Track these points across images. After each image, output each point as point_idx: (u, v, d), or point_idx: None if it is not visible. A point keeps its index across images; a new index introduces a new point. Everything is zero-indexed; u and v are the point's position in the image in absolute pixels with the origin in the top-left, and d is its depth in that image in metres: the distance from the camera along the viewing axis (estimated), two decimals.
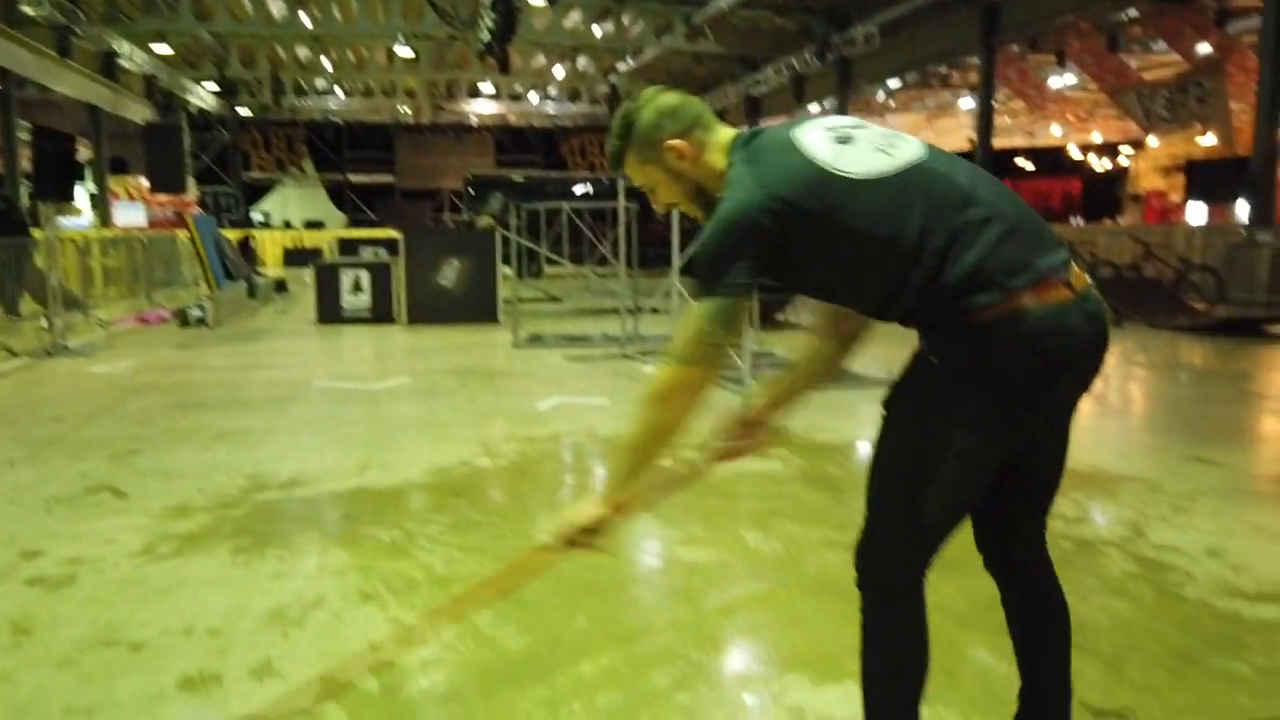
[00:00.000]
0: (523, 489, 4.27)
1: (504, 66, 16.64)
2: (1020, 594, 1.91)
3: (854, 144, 1.67)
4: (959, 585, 3.05)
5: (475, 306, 11.24)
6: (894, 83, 21.26)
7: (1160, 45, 16.19)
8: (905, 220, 1.59)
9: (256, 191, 31.18)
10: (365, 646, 2.62)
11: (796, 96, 21.58)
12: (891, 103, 25.22)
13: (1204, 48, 14.78)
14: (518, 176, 22.73)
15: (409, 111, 28.65)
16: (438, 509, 3.95)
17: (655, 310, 10.72)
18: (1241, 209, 13.19)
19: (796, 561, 3.31)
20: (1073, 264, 1.63)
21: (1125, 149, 22.72)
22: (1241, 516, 3.75)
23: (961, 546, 3.35)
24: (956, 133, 25.98)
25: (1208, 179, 13.99)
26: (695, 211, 1.87)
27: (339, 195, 31.41)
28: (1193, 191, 14.25)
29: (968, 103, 21.94)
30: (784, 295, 10.86)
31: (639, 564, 3.31)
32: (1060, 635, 1.87)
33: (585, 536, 1.88)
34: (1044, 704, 1.88)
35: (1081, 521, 3.69)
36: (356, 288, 11.50)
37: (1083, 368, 1.67)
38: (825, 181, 1.63)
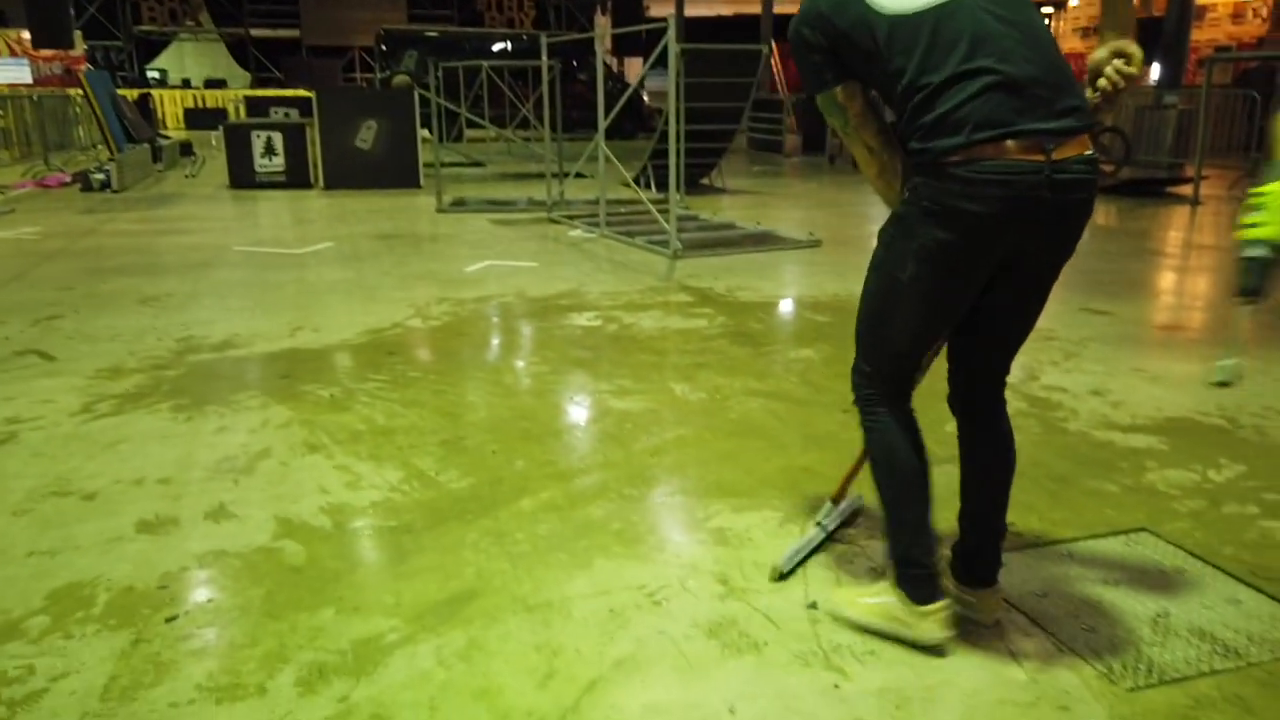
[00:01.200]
0: (456, 347, 4.38)
1: None
2: (975, 431, 2.12)
3: None
4: None
5: (395, 171, 10.97)
6: None
7: None
8: (909, 57, 1.73)
9: (150, 47, 29.11)
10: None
11: None
12: None
13: None
14: (433, 32, 21.71)
15: None
16: (374, 367, 4.05)
17: (580, 175, 10.65)
18: (1154, 71, 13.48)
19: (720, 408, 3.53)
20: (1077, 135, 1.71)
21: (1046, 8, 22.79)
22: (1124, 360, 4.10)
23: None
24: None
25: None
26: None
27: (241, 52, 29.55)
28: None
29: None
30: (710, 159, 10.88)
31: (573, 414, 3.49)
32: (1003, 469, 2.09)
33: None
34: (977, 525, 2.12)
35: None
36: (269, 151, 11.08)
37: (1039, 229, 1.75)
38: (860, 10, 1.79)
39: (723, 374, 3.94)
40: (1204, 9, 18.87)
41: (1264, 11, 18.58)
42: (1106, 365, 4.03)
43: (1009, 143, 1.67)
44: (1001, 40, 1.70)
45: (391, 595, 2.20)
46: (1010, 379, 3.81)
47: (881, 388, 2.00)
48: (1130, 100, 13.22)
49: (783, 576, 2.27)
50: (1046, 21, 19.73)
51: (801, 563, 2.33)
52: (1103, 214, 9.13)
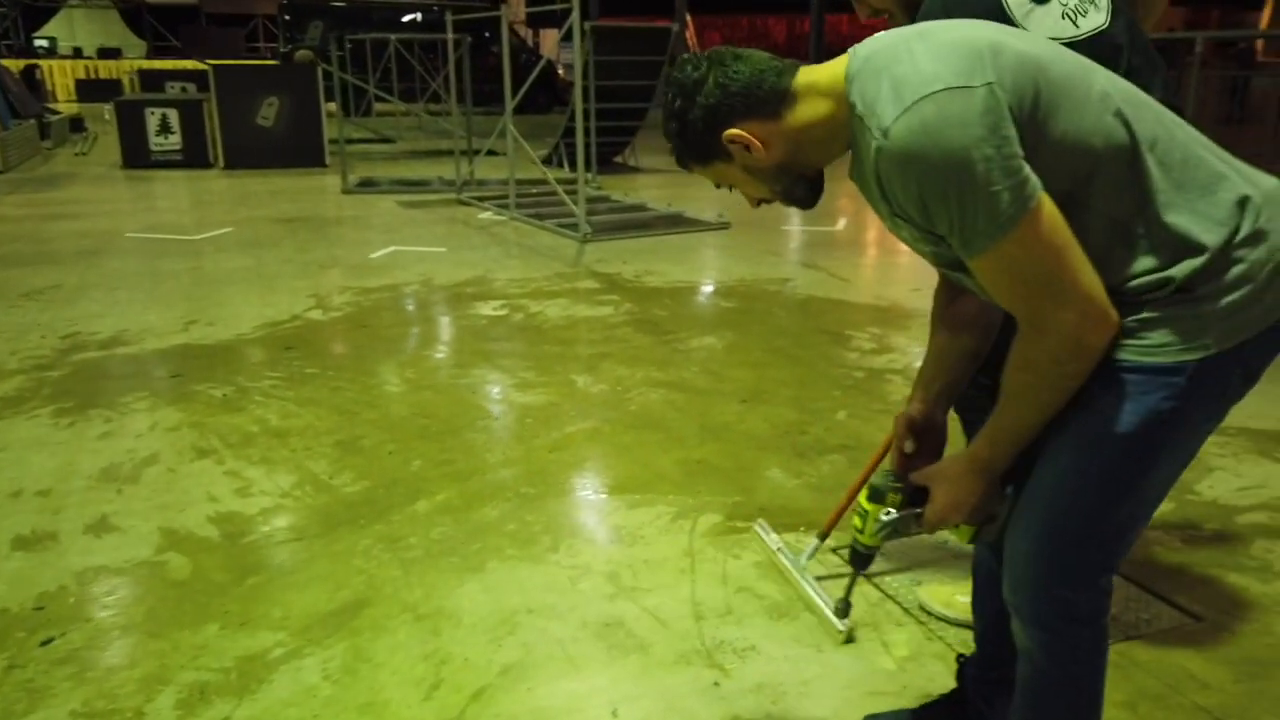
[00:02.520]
0: (358, 341, 4.31)
1: None
2: None
3: (1049, 3, 1.70)
4: (763, 415, 3.40)
5: (299, 149, 10.67)
6: None
7: None
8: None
9: (37, 14, 27.55)
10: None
11: None
12: None
13: None
14: (339, 2, 21.05)
15: None
16: (270, 363, 3.97)
17: (493, 153, 10.52)
18: None
19: (621, 400, 3.57)
20: None
21: None
22: None
23: (773, 382, 3.69)
24: None
25: None
26: (905, 15, 1.86)
27: (136, 19, 28.19)
28: None
29: None
30: (623, 137, 10.86)
31: (473, 410, 3.49)
32: None
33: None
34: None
35: (875, 353, 4.12)
36: (165, 128, 10.65)
37: None
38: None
39: (625, 364, 3.98)
40: None
41: None
42: None
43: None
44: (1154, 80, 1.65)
45: (279, 608, 2.18)
46: (899, 365, 3.93)
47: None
48: None
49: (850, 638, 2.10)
50: None
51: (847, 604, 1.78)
52: None
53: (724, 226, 7.18)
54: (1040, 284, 1.14)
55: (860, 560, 1.52)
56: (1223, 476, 2.83)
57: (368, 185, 9.39)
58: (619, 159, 11.29)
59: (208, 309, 4.81)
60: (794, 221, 7.70)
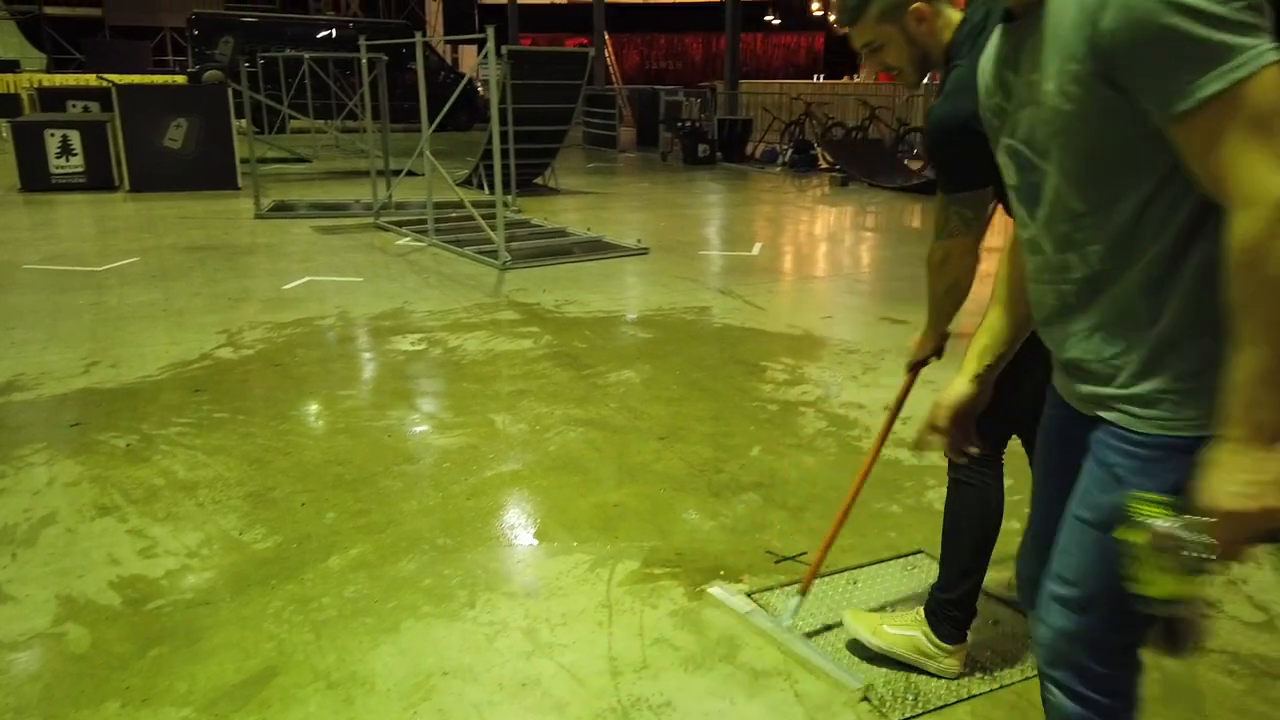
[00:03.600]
0: (271, 381, 4.23)
1: None
2: None
3: None
4: (679, 453, 3.45)
5: (210, 171, 10.40)
6: None
7: None
8: None
9: None
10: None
11: None
12: None
13: None
14: (251, 17, 20.59)
15: None
16: (178, 408, 3.86)
17: (412, 173, 10.41)
18: None
19: (539, 440, 3.58)
20: None
21: None
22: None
23: (690, 417, 3.74)
24: None
25: None
26: (913, 77, 1.90)
27: (34, 31, 27.06)
28: None
29: None
30: (543, 159, 10.86)
31: (389, 455, 3.45)
32: None
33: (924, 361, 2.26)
34: None
35: (788, 384, 4.21)
36: (66, 150, 10.26)
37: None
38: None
39: (545, 401, 3.99)
40: None
41: None
42: (899, 378, 4.30)
43: None
44: None
45: (184, 681, 2.13)
46: (812, 397, 4.03)
47: (993, 449, 2.08)
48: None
49: (866, 697, 2.12)
50: None
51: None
52: (909, 214, 9.72)
53: (643, 252, 7.24)
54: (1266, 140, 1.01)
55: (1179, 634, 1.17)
56: None
57: (282, 209, 9.20)
58: (539, 180, 11.29)
59: (111, 348, 4.66)
60: (711, 246, 7.81)
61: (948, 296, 2.06)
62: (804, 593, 2.36)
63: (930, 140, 1.89)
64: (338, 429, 3.69)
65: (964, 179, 1.86)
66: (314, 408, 3.93)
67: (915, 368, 2.31)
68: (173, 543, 2.76)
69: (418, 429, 3.70)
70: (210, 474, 3.24)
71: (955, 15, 1.89)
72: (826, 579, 2.59)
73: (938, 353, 2.22)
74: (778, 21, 27.26)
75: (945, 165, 1.90)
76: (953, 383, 1.63)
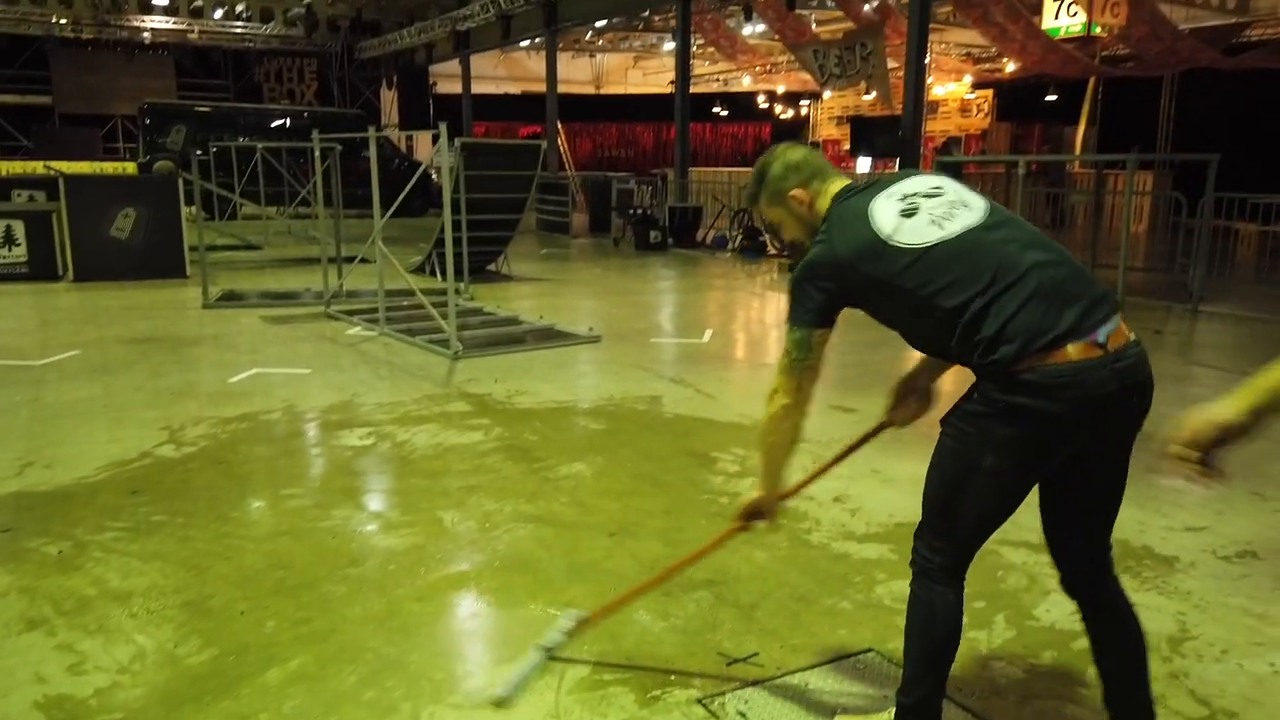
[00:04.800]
0: (212, 480, 4.14)
1: None
2: (1095, 610, 2.15)
3: (916, 216, 1.99)
4: (630, 550, 3.42)
5: (157, 260, 10.32)
6: (602, 22, 21.66)
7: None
8: (948, 284, 1.91)
9: None
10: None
11: (504, 34, 21.31)
12: (600, 41, 25.64)
13: (870, 8, 16.41)
14: (204, 106, 20.73)
15: (65, 22, 24.98)
16: (114, 512, 3.75)
17: (365, 260, 10.42)
18: (896, 164, 14.91)
19: (488, 539, 3.53)
20: (1116, 318, 1.88)
21: (805, 101, 24.81)
22: (864, 461, 4.43)
23: (641, 512, 3.72)
24: (662, 75, 26.92)
25: (869, 132, 15.70)
26: (807, 245, 2.17)
27: None
28: (856, 145, 15.95)
29: (671, 45, 22.82)
30: (496, 247, 10.97)
31: (333, 558, 3.38)
32: (1131, 651, 2.12)
33: (757, 517, 2.38)
34: (1122, 705, 2.14)
35: (739, 476, 4.22)
36: (9, 239, 10.14)
37: (1113, 417, 1.90)
38: (883, 251, 1.98)
39: (494, 497, 3.95)
40: (936, 104, 21.25)
41: (985, 106, 21.13)
42: (849, 468, 4.31)
43: (1068, 346, 1.83)
44: (1025, 254, 1.91)
45: None
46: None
47: (943, 562, 2.07)
48: None
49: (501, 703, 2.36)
50: (807, 112, 21.13)
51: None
52: None
53: (595, 340, 7.29)
54: None
55: None
56: (1058, 599, 3.00)
57: (231, 298, 9.13)
58: (493, 267, 11.37)
59: (47, 448, 4.53)
60: (663, 333, 7.90)
61: (767, 438, 2.24)
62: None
63: (789, 283, 2.13)
64: (281, 530, 3.60)
65: (798, 315, 2.09)
66: (257, 508, 3.84)
67: (742, 525, 2.46)
68: (103, 658, 2.66)
69: (364, 529, 3.63)
70: (145, 582, 3.13)
71: (835, 187, 2.18)
72: (777, 681, 2.56)
73: (759, 514, 2.41)
74: (725, 113, 28.13)
75: (789, 301, 2.12)
76: (1221, 403, 1.68)
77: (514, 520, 3.71)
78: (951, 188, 2.07)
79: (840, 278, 2.03)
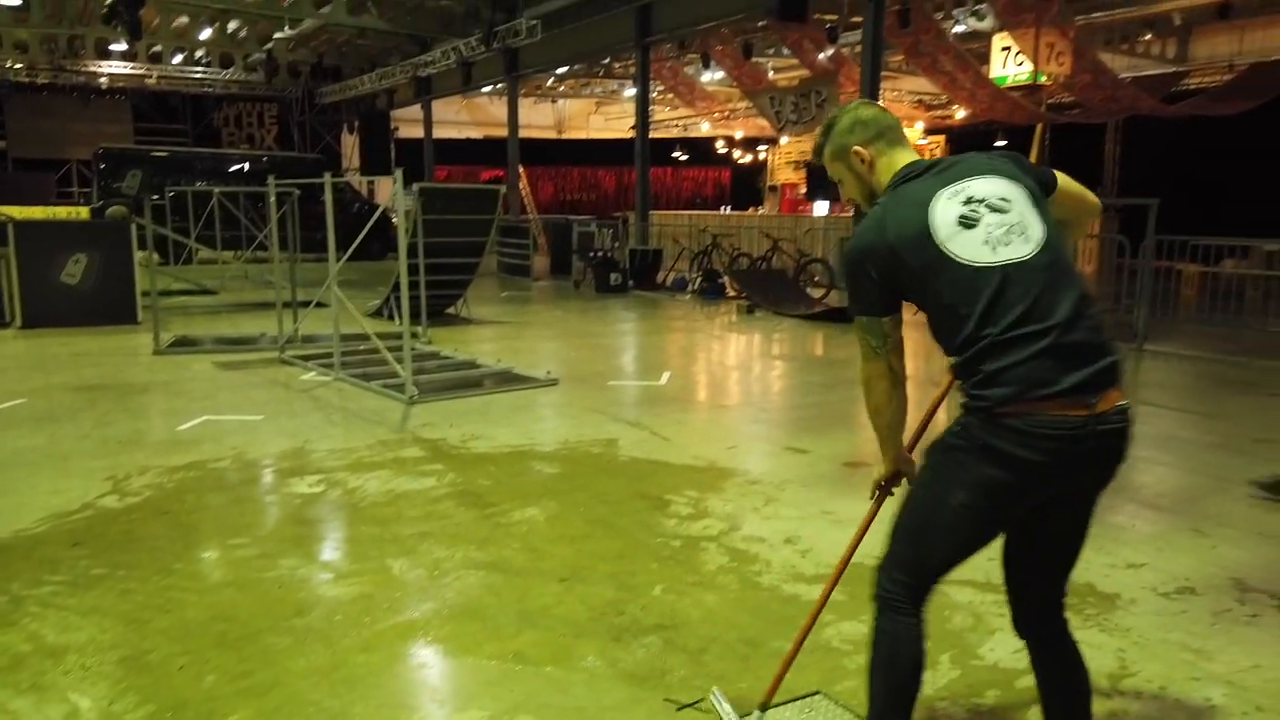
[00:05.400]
0: (156, 531, 4.05)
1: (135, 32, 14.94)
2: (1044, 652, 2.18)
3: (975, 229, 1.96)
4: (580, 595, 3.41)
5: (109, 306, 10.16)
6: (563, 69, 21.94)
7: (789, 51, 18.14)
8: (973, 305, 1.92)
9: None
10: None
11: (465, 80, 21.49)
12: (562, 87, 25.95)
13: (824, 57, 16.82)
14: (161, 151, 20.60)
15: (20, 67, 24.79)
16: (52, 565, 3.66)
17: (321, 304, 10.35)
18: None
19: (438, 586, 3.49)
20: (1113, 383, 1.91)
21: (762, 146, 25.26)
22: (816, 502, 4.49)
23: (592, 556, 3.71)
24: (623, 120, 27.27)
25: (825, 178, 16.00)
26: (866, 209, 2.17)
27: None
28: (812, 189, 16.26)
29: (632, 92, 23.18)
30: (455, 290, 10.97)
31: (278, 608, 3.32)
32: (1078, 692, 2.16)
33: (894, 483, 2.32)
34: None
35: (692, 519, 4.23)
36: None
37: (1086, 473, 1.95)
38: (929, 249, 1.97)
39: (445, 544, 3.92)
40: None
41: (939, 151, 21.68)
42: (800, 509, 4.39)
43: (1057, 401, 1.85)
44: (1057, 307, 1.90)
45: None
46: (714, 531, 4.05)
47: (907, 594, 2.08)
48: (834, 232, 14.85)
49: None
50: (765, 157, 21.44)
51: None
52: (812, 342, 10.06)
53: (552, 383, 7.29)
54: None
55: None
56: (1003, 638, 3.03)
57: (183, 344, 9.01)
58: (452, 310, 11.36)
59: None
60: (621, 376, 7.92)
61: (878, 418, 2.20)
62: (763, 708, 2.52)
63: (842, 268, 2.17)
64: (225, 581, 3.54)
65: (862, 306, 2.10)
66: (201, 559, 3.77)
67: (882, 492, 2.38)
68: (35, 717, 2.58)
69: (311, 578, 3.58)
70: (82, 637, 3.06)
71: (901, 159, 2.16)
72: None
73: (896, 478, 2.33)
74: (685, 157, 28.54)
75: (849, 291, 2.15)
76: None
77: (464, 567, 3.68)
78: (1019, 205, 2.01)
79: (886, 263, 2.02)
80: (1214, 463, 5.16)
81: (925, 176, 2.06)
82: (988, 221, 1.97)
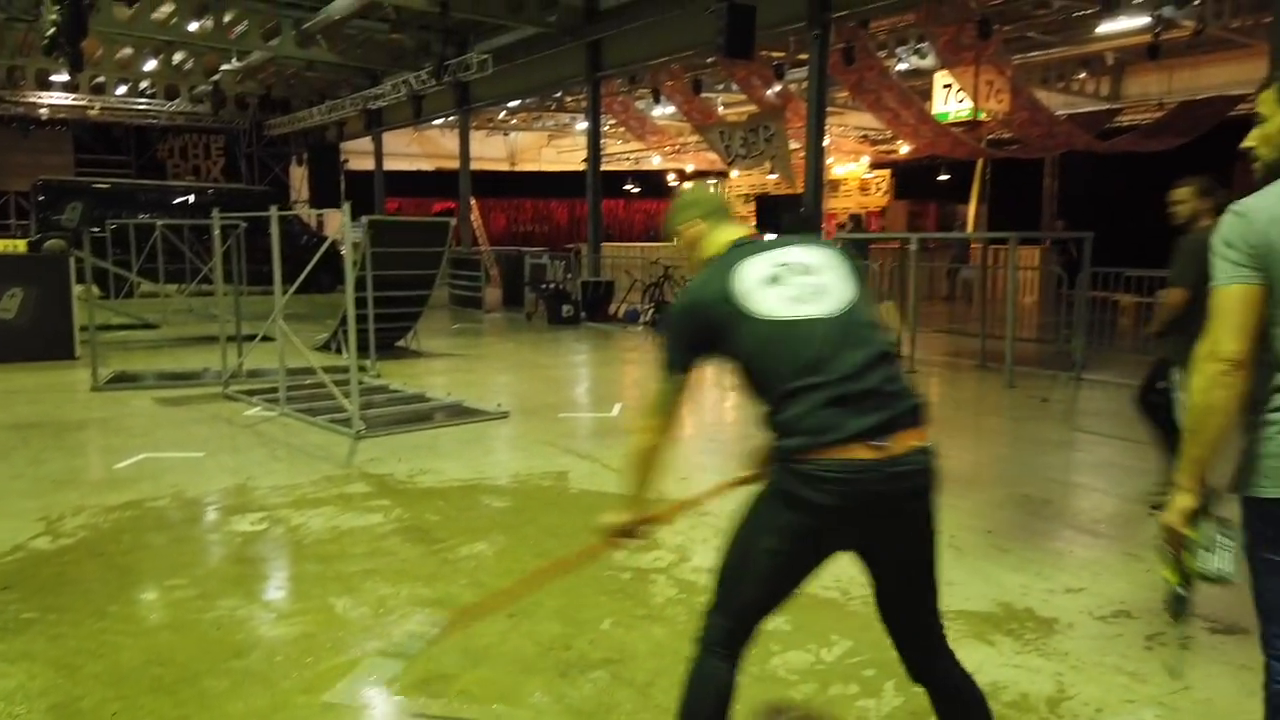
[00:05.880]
0: (91, 573, 3.94)
1: (76, 65, 14.69)
2: (935, 689, 2.18)
3: (778, 287, 2.07)
4: (527, 631, 3.39)
5: (45, 341, 9.90)
6: (514, 102, 22.05)
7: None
8: (772, 359, 2.01)
9: None
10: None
11: (416, 113, 21.48)
12: (514, 120, 26.06)
13: (772, 92, 17.14)
14: (102, 183, 20.22)
15: None
16: None
17: (268, 338, 10.20)
18: None
19: (380, 625, 3.44)
20: (909, 425, 1.97)
21: (713, 179, 25.61)
22: None
23: (540, 590, 3.69)
24: (575, 153, 27.44)
25: (774, 210, 16.25)
26: None
27: None
28: (761, 221, 16.48)
29: (584, 125, 23.37)
30: (405, 323, 10.90)
31: (217, 650, 3.24)
32: (975, 713, 2.15)
33: (622, 536, 2.43)
34: None
35: (641, 551, 4.22)
36: None
37: (885, 516, 1.99)
38: (733, 303, 2.07)
39: (391, 581, 3.86)
40: (837, 183, 22.20)
41: (884, 185, 22.17)
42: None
43: (847, 445, 1.91)
44: (847, 361, 1.97)
45: None
46: (664, 563, 4.05)
47: (725, 637, 2.12)
48: None
49: None
50: (720, 188, 21.77)
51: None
52: None
53: (503, 416, 7.25)
54: None
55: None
56: None
57: (123, 380, 8.80)
58: (402, 343, 11.27)
59: None
60: (573, 408, 7.92)
61: (635, 469, 2.30)
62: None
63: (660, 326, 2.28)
64: (161, 624, 3.45)
65: (666, 361, 2.21)
66: (137, 601, 3.67)
67: (610, 541, 2.52)
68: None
69: (251, 619, 3.50)
70: (10, 685, 2.95)
71: (726, 236, 2.28)
72: None
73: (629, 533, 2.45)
74: (637, 190, 28.78)
75: (660, 346, 2.28)
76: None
77: (410, 604, 3.63)
78: (828, 271, 2.12)
79: (694, 320, 2.15)
80: (1149, 488, 5.29)
81: (745, 248, 2.19)
82: (792, 281, 2.09)
